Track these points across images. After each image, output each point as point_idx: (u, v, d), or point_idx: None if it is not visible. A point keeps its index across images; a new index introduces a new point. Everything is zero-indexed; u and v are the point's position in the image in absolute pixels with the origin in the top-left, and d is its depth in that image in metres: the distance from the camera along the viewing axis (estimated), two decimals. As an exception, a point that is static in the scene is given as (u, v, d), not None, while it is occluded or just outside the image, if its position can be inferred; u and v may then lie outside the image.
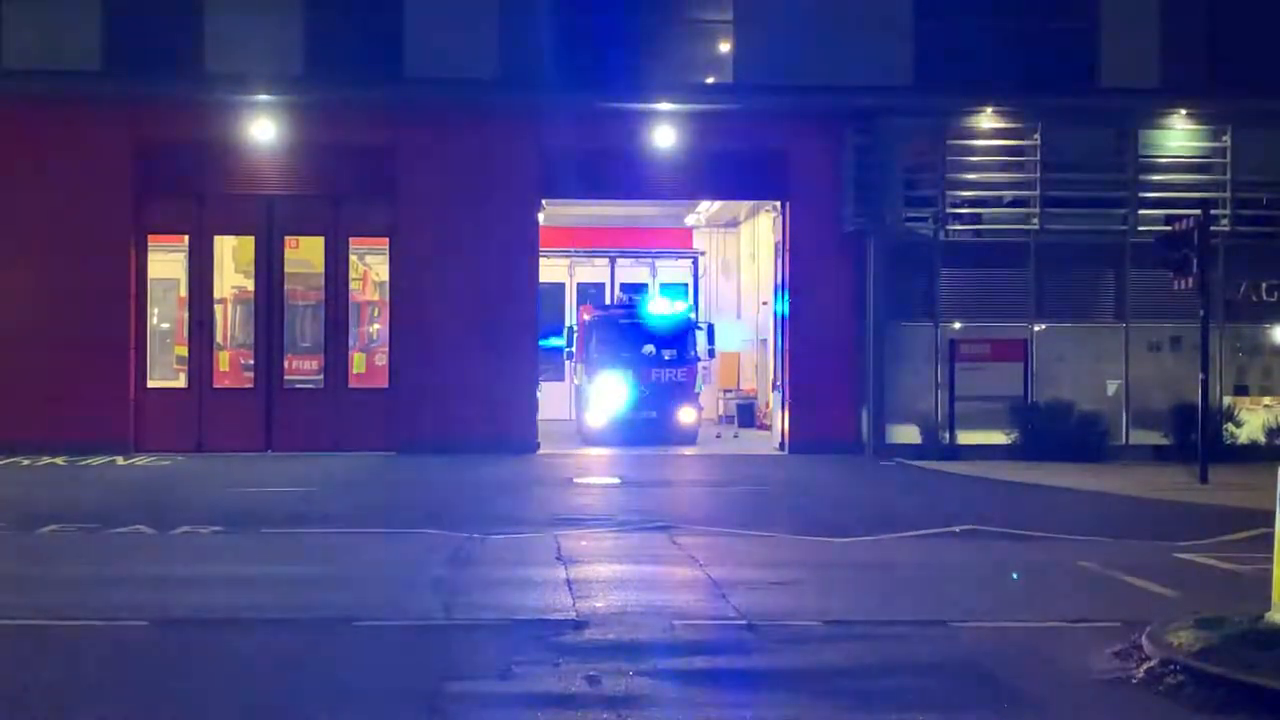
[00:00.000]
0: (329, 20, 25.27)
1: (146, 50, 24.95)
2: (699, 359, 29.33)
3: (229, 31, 24.82)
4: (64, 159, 24.74)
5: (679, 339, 28.88)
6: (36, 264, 24.63)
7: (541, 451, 25.51)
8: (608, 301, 32.64)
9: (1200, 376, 21.95)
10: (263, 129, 25.19)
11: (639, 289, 32.68)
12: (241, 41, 24.77)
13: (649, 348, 28.54)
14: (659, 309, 29.55)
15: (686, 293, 33.01)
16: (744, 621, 11.06)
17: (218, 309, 26.79)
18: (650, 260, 34.14)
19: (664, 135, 25.61)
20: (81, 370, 24.55)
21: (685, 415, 28.22)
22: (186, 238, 26.09)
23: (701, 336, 29.53)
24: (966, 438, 25.36)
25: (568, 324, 31.50)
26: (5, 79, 24.69)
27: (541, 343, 27.49)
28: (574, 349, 29.95)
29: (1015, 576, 13.14)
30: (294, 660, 9.80)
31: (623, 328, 28.91)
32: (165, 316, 27.67)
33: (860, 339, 25.67)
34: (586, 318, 29.75)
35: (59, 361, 24.42)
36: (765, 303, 30.57)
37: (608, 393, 28.05)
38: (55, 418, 24.26)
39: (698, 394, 29.13)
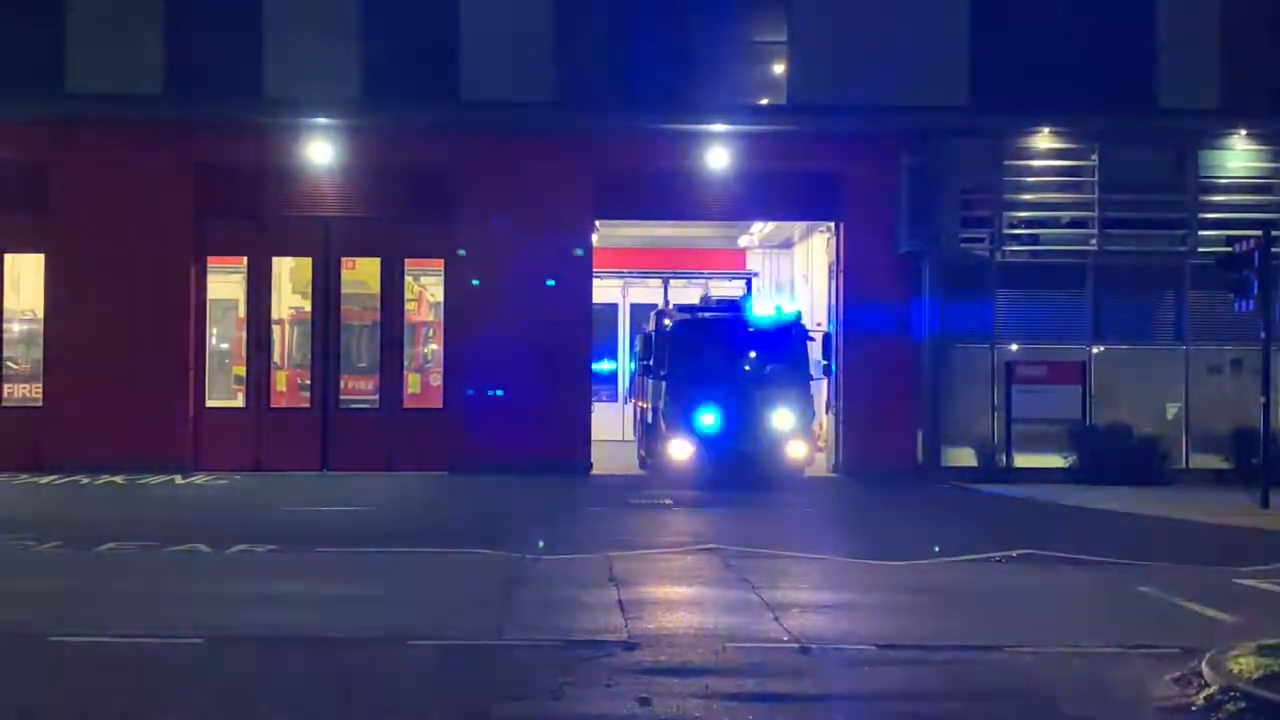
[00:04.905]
0: (386, 44, 25.50)
1: (207, 74, 25.26)
2: (813, 378, 23.95)
3: (288, 55, 25.09)
4: (125, 181, 25.07)
5: (788, 351, 23.57)
6: (97, 284, 24.93)
7: (594, 472, 25.50)
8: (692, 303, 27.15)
9: (1261, 399, 21.65)
10: (320, 151, 25.43)
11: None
12: (300, 65, 25.03)
13: (750, 361, 23.50)
14: (762, 312, 24.15)
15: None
16: (797, 644, 10.99)
17: (275, 329, 27.03)
18: (704, 281, 34.03)
19: (718, 156, 25.61)
20: (141, 390, 24.83)
21: (794, 450, 23.00)
22: (245, 259, 26.37)
23: (816, 349, 24.38)
24: (1023, 461, 25.11)
25: (645, 330, 26.35)
26: (68, 102, 25.05)
27: (594, 366, 27.15)
28: (651, 362, 24.38)
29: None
30: (348, 679, 9.83)
31: (716, 335, 23.63)
32: (224, 337, 27.94)
33: (915, 360, 25.49)
34: (668, 323, 24.24)
35: (119, 381, 24.72)
36: (819, 324, 30.22)
37: (696, 417, 22.89)
38: (115, 436, 24.53)
39: (811, 421, 23.79)
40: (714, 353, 23.39)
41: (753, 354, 23.55)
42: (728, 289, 31.59)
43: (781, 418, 22.98)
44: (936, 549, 16.05)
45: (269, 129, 25.37)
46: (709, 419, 22.95)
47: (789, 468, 23.01)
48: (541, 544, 15.90)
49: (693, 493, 22.49)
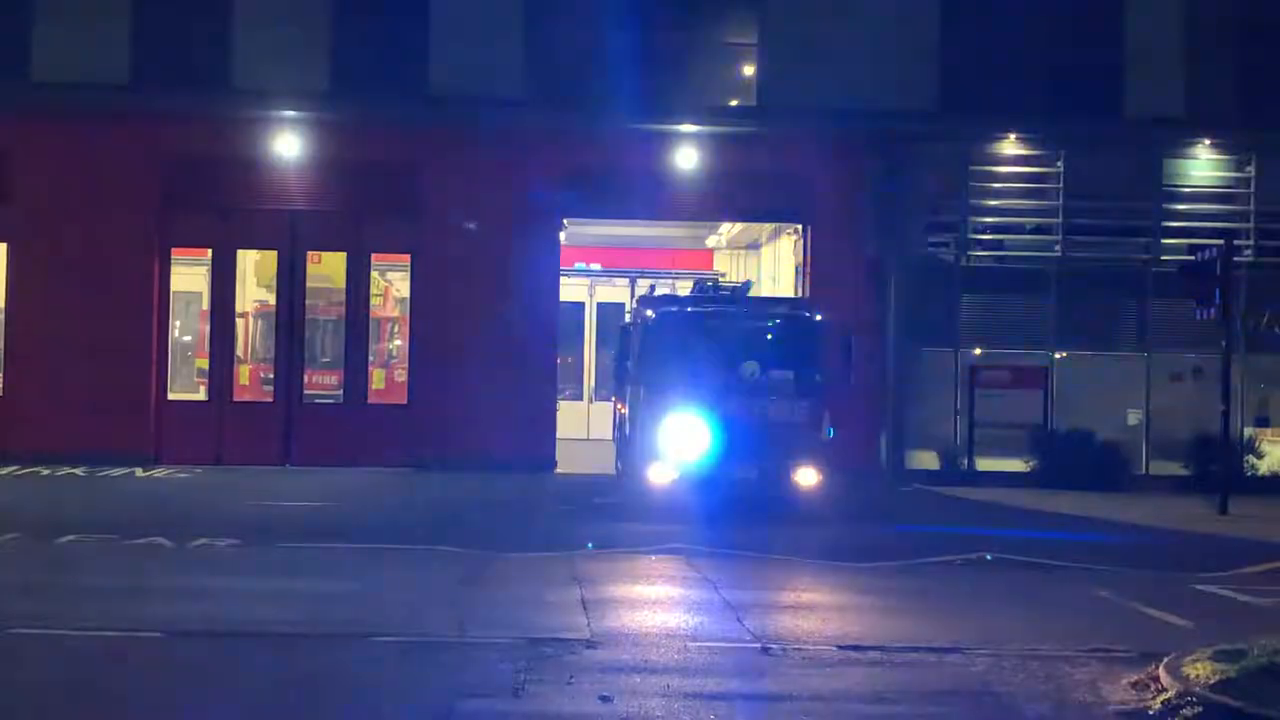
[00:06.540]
0: (355, 38, 25.44)
1: (174, 65, 25.14)
2: (827, 387, 19.50)
3: (256, 48, 24.98)
4: (90, 171, 24.91)
5: (799, 353, 19.30)
6: (60, 275, 24.77)
7: (559, 470, 25.48)
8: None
9: (1221, 407, 21.84)
10: (288, 145, 25.32)
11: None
12: (268, 58, 24.93)
13: (751, 366, 19.04)
14: (768, 309, 20.80)
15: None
16: (758, 644, 11.02)
17: (239, 323, 26.90)
18: (671, 281, 34.02)
19: (687, 157, 25.66)
20: (103, 381, 24.66)
21: (804, 475, 18.71)
22: (210, 251, 26.26)
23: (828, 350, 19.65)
24: (985, 464, 25.28)
25: (622, 324, 23.22)
26: (34, 91, 24.86)
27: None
28: (630, 362, 20.10)
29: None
30: (307, 675, 9.80)
31: (710, 333, 19.23)
32: (187, 329, 27.84)
33: (880, 364, 25.58)
34: (650, 314, 19.74)
35: (81, 372, 24.55)
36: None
37: (683, 434, 18.61)
38: (76, 428, 24.36)
39: (828, 441, 19.21)
40: (708, 355, 19.08)
41: (755, 358, 19.17)
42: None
43: (789, 435, 18.74)
44: (897, 551, 16.11)
45: (236, 121, 25.26)
46: (697, 438, 18.66)
47: (797, 495, 18.78)
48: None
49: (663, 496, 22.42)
